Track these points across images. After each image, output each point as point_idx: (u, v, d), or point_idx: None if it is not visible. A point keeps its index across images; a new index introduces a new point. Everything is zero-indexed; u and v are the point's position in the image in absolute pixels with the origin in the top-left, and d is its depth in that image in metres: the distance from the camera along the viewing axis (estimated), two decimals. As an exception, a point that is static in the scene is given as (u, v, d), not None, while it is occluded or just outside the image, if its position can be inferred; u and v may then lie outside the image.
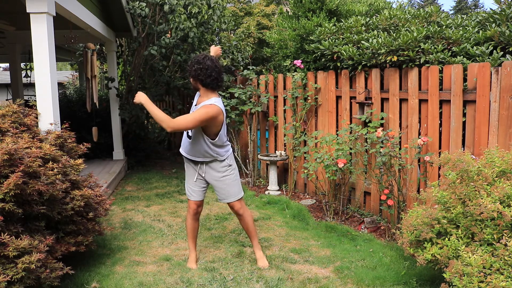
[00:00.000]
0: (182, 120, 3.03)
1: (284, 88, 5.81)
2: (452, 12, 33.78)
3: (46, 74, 3.68)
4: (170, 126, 2.98)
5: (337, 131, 5.05)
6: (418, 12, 4.79)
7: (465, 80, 3.70)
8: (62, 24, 5.00)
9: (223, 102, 6.17)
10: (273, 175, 5.70)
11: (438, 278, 2.92)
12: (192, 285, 3.11)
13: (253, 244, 3.52)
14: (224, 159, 3.34)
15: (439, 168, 3.86)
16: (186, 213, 3.53)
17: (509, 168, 2.72)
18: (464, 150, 3.74)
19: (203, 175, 3.37)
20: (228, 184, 3.35)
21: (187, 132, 3.29)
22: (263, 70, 8.10)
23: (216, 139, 3.22)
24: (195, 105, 3.30)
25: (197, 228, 3.51)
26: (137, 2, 6.16)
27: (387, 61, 4.28)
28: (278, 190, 5.72)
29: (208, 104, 3.14)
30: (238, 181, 3.43)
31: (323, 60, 5.22)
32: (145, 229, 4.27)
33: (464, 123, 3.75)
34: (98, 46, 8.15)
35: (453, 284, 2.44)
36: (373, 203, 4.63)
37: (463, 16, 4.42)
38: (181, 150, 3.43)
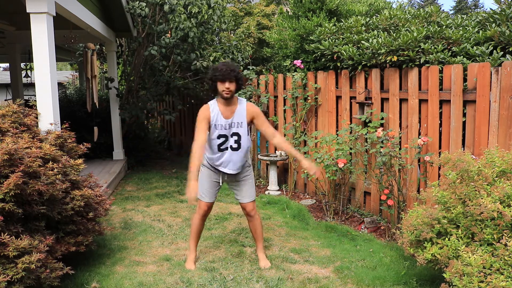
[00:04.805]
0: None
1: (284, 88, 5.81)
2: (452, 12, 33.79)
3: (46, 74, 3.68)
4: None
5: (337, 131, 5.05)
6: (418, 12, 4.79)
7: (465, 80, 3.70)
8: (62, 24, 5.00)
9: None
10: (273, 175, 5.70)
11: (438, 278, 2.92)
12: (192, 285, 3.11)
13: (258, 246, 3.53)
14: (247, 159, 3.46)
15: (439, 168, 3.86)
16: (195, 213, 3.51)
17: (509, 168, 2.72)
18: (464, 150, 3.74)
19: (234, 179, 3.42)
20: (250, 184, 3.44)
21: (239, 141, 3.27)
22: (263, 70, 8.09)
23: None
24: (232, 120, 3.24)
25: (202, 229, 3.53)
26: (137, 2, 6.15)
27: (387, 61, 4.28)
28: (278, 190, 5.72)
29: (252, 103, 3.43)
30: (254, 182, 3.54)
31: (323, 60, 5.22)
32: (145, 229, 4.27)
33: (464, 123, 3.75)
34: (98, 46, 8.14)
35: (453, 284, 2.44)
36: (373, 203, 4.63)
37: (463, 16, 4.41)
38: (224, 168, 3.32)
